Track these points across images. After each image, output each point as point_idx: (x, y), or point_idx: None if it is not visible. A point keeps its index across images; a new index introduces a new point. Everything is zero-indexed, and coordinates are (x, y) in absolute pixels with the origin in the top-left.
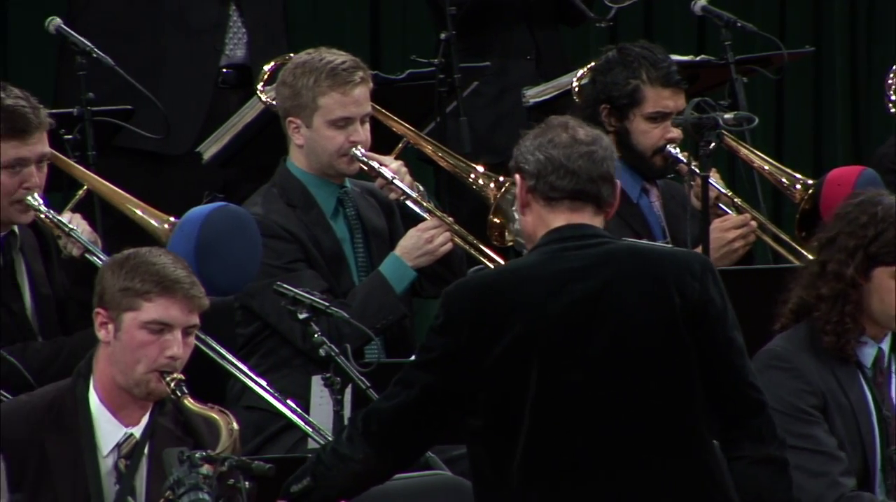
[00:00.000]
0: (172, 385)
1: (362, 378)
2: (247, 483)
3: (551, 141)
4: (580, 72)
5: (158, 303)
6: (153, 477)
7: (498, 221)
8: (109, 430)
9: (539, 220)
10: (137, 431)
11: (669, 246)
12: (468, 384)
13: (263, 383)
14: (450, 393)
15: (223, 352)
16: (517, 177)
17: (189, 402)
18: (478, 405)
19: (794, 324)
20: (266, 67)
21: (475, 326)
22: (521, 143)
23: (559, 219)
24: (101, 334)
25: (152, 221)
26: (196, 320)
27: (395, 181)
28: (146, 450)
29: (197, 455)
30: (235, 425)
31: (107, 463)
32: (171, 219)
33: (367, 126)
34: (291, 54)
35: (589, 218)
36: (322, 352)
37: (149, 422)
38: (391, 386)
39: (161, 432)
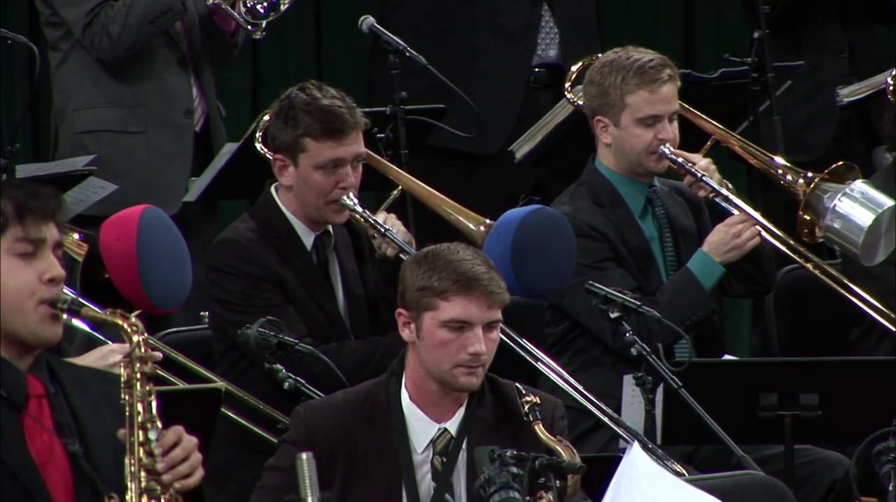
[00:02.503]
0: (526, 408)
1: (674, 377)
2: (557, 481)
3: None
4: (895, 70)
5: (457, 302)
6: (471, 472)
7: (808, 218)
8: (422, 428)
9: None
10: (452, 426)
11: None
12: None
13: (573, 381)
14: None
15: (534, 350)
16: None
17: (540, 430)
18: None
19: None
20: (573, 68)
21: None
22: None
23: None
24: (404, 334)
25: (469, 224)
26: (497, 315)
27: (705, 178)
28: (463, 445)
29: (508, 453)
30: (583, 467)
31: (421, 461)
32: (487, 221)
33: (676, 124)
34: (599, 54)
35: None
36: (634, 351)
37: (464, 417)
38: None
39: (478, 425)
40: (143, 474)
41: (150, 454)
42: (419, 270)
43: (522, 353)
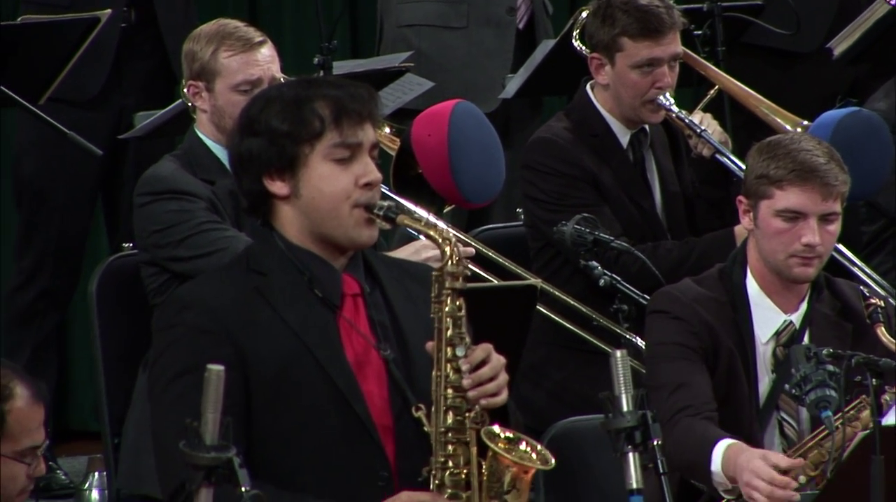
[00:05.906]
0: (870, 310)
1: None
2: (874, 380)
3: None
4: None
5: (791, 192)
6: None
7: None
8: (769, 317)
9: None
10: (796, 318)
11: None
12: None
13: (886, 284)
14: None
15: (845, 251)
16: None
17: (881, 332)
18: None
19: None
20: None
21: None
22: None
23: None
24: (744, 221)
25: (785, 125)
26: (834, 207)
27: None
28: (805, 339)
29: (824, 351)
30: None
31: (765, 351)
32: (804, 122)
33: None
34: None
35: None
36: None
37: (806, 310)
38: None
39: (819, 319)
40: (448, 391)
41: (457, 370)
42: (759, 158)
43: (835, 254)
